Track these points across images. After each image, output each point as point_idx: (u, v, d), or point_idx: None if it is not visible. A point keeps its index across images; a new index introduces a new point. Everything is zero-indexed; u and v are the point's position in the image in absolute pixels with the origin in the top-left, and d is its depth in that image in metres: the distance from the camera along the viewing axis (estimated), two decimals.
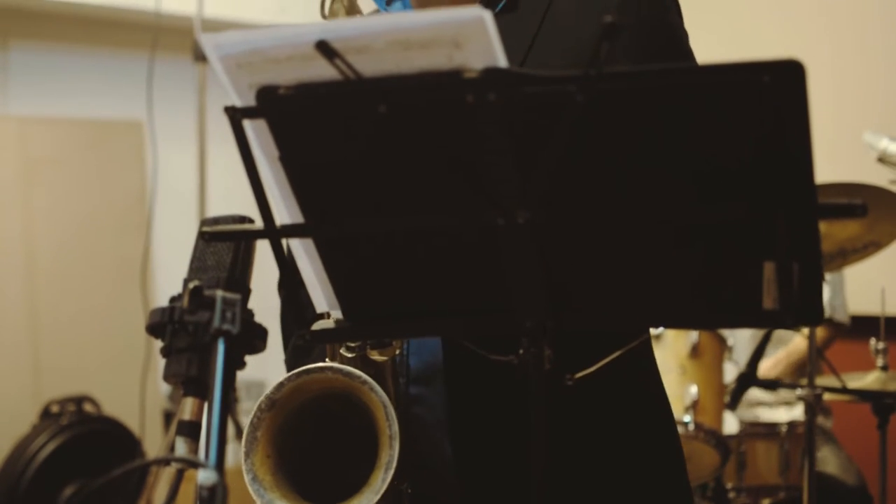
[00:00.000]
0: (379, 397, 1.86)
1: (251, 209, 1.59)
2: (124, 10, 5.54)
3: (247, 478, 1.89)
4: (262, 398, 1.90)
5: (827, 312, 4.82)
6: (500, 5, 2.03)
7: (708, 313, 1.54)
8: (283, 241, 1.62)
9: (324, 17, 2.01)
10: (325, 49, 1.39)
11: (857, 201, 1.38)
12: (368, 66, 1.40)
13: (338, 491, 1.88)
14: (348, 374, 1.88)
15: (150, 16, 5.32)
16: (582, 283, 1.52)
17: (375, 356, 1.93)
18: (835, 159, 4.73)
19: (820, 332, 4.81)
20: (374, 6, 2.20)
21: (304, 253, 1.62)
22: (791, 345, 4.82)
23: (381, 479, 1.83)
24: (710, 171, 1.40)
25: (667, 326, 1.84)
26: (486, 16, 1.34)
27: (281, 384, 1.89)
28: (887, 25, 5.61)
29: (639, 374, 2.06)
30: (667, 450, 2.11)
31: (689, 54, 2.05)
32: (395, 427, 1.84)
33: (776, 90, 1.32)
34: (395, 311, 1.64)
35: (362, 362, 1.92)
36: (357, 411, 1.90)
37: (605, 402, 1.99)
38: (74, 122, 5.71)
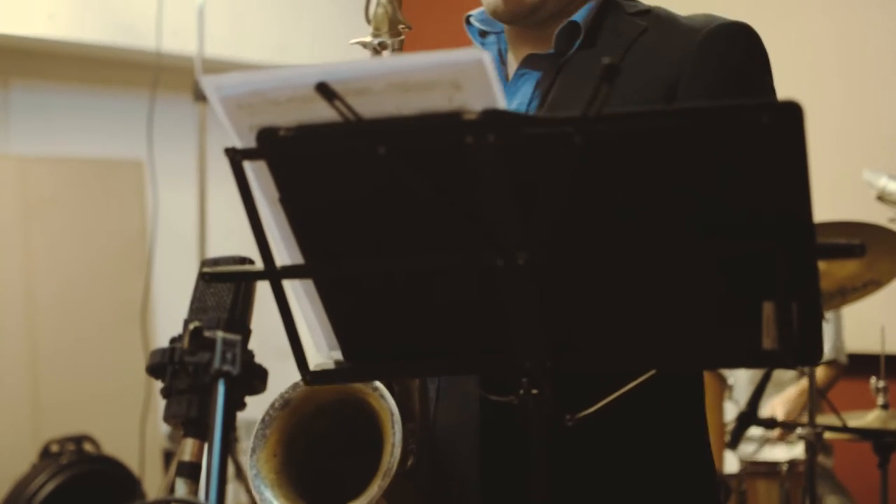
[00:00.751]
0: (387, 404, 1.86)
1: (251, 249, 1.59)
2: (125, 50, 5.56)
3: (250, 473, 1.89)
4: (277, 396, 1.90)
5: (831, 355, 4.82)
6: (578, 42, 2.07)
7: (708, 354, 1.54)
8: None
9: (368, 21, 2.03)
10: (325, 91, 1.39)
11: (855, 242, 1.39)
12: (368, 108, 1.41)
13: (337, 496, 1.88)
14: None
15: (151, 56, 5.34)
16: (581, 324, 1.52)
17: None
18: (834, 197, 4.74)
19: (824, 372, 4.81)
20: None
21: (304, 294, 1.63)
22: (803, 381, 4.81)
23: (378, 487, 1.84)
24: (709, 211, 1.41)
25: (666, 369, 1.83)
26: (486, 57, 1.35)
27: (297, 384, 1.90)
28: (886, 64, 5.63)
29: (650, 412, 2.02)
30: (690, 486, 2.09)
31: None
32: (399, 436, 1.85)
33: (775, 131, 1.33)
34: (395, 352, 1.64)
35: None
36: (368, 418, 1.90)
37: (611, 441, 1.98)
38: (75, 161, 5.72)
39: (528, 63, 2.11)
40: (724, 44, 2.01)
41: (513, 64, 2.15)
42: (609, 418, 1.90)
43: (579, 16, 2.08)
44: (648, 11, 2.10)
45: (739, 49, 2.02)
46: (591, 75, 1.85)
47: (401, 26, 2.00)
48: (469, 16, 2.22)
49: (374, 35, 2.01)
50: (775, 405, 4.73)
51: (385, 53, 2.00)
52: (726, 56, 2.00)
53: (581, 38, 2.07)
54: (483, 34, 2.22)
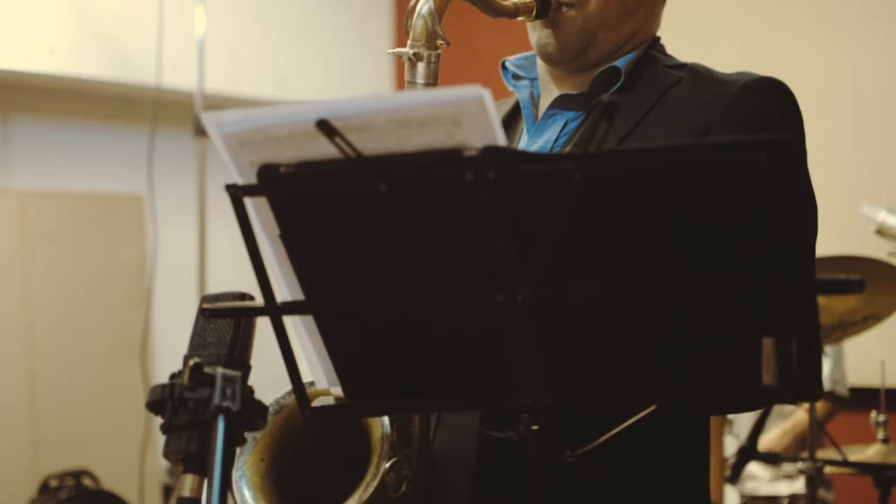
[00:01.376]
0: (379, 419, 1.86)
1: (251, 283, 1.59)
2: (125, 85, 5.57)
3: (235, 475, 1.88)
4: (272, 401, 1.90)
5: (828, 386, 4.82)
6: (617, 85, 2.10)
7: (707, 390, 1.54)
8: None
9: (407, 32, 2.04)
10: (325, 128, 1.40)
11: (854, 277, 1.39)
12: (369, 145, 1.41)
13: None
14: None
15: (151, 90, 5.35)
16: (581, 360, 1.52)
17: None
18: (833, 232, 4.74)
19: (821, 405, 4.80)
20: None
21: (304, 329, 1.63)
22: (796, 416, 4.81)
23: (358, 498, 1.83)
24: (708, 247, 1.41)
25: (666, 404, 1.83)
26: (485, 94, 1.36)
27: (291, 391, 1.90)
28: (884, 98, 5.65)
29: (648, 448, 2.02)
30: None
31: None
32: (386, 447, 1.84)
33: (773, 167, 1.33)
34: (395, 387, 1.64)
35: None
36: (359, 431, 1.90)
37: (609, 476, 1.98)
38: (75, 195, 5.72)
39: (558, 103, 2.14)
40: (758, 97, 2.04)
41: (544, 109, 2.17)
42: (608, 454, 1.90)
43: (621, 62, 2.12)
44: (685, 66, 2.15)
45: (774, 104, 2.05)
46: (620, 117, 1.92)
47: (439, 41, 2.02)
48: (505, 60, 2.27)
49: (412, 46, 2.02)
50: (772, 439, 4.73)
51: (420, 65, 2.02)
52: (760, 109, 2.03)
53: (620, 83, 2.10)
54: (516, 78, 2.26)
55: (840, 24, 5.74)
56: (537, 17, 2.09)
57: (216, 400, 1.58)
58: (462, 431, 2.03)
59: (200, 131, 5.21)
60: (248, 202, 1.51)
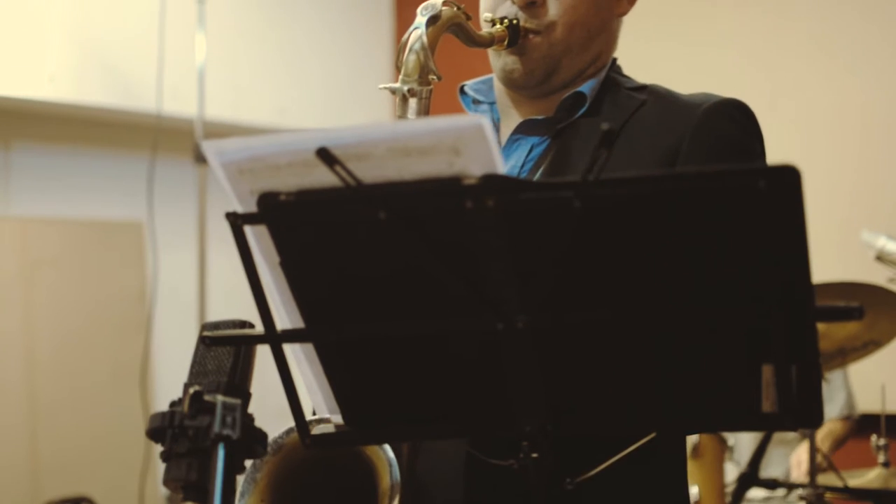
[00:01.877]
0: (385, 455, 1.85)
1: (251, 311, 1.59)
2: (125, 112, 5.58)
3: None
4: (270, 440, 1.89)
5: (846, 411, 4.85)
6: (583, 110, 2.13)
7: (707, 417, 1.54)
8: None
9: (398, 67, 2.06)
10: (325, 156, 1.40)
11: (853, 304, 1.39)
12: (369, 173, 1.42)
13: None
14: None
15: (151, 118, 5.36)
16: (581, 388, 1.53)
17: None
18: (833, 258, 4.76)
19: (842, 427, 4.83)
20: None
21: (304, 357, 1.63)
22: (823, 431, 4.81)
23: None
24: (708, 274, 1.41)
25: (667, 431, 1.84)
26: (485, 122, 1.36)
27: (290, 429, 1.89)
28: (884, 125, 5.66)
29: (649, 474, 2.03)
30: None
31: None
32: (398, 487, 1.83)
33: (772, 195, 1.33)
34: (395, 415, 1.64)
35: None
36: (363, 468, 1.89)
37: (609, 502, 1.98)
38: (75, 222, 5.73)
39: (523, 128, 2.15)
40: (723, 119, 2.08)
41: (505, 133, 2.19)
42: (607, 481, 1.90)
43: (585, 87, 2.15)
44: (645, 87, 2.18)
45: (737, 125, 2.09)
46: (590, 142, 1.95)
47: (431, 76, 2.03)
48: (463, 85, 2.29)
49: (404, 81, 2.03)
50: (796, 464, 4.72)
51: (412, 101, 2.03)
52: (725, 131, 2.07)
53: (585, 108, 2.13)
54: (476, 103, 2.28)
55: (841, 51, 5.76)
56: (509, 45, 2.11)
57: (216, 428, 1.58)
58: (448, 457, 2.03)
59: (200, 158, 5.22)
60: (249, 230, 1.51)
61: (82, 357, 5.60)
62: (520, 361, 1.49)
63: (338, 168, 1.41)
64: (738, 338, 1.45)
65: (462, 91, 2.29)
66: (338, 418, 1.66)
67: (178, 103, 5.46)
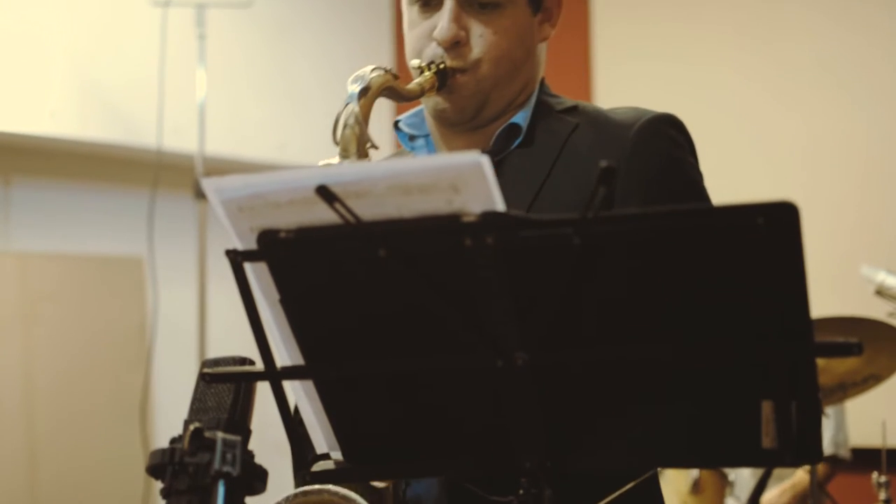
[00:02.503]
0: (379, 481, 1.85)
1: (251, 346, 1.60)
2: (126, 148, 5.59)
3: None
4: None
5: (830, 450, 4.81)
6: (518, 141, 2.15)
7: (707, 453, 1.54)
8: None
9: (335, 142, 2.05)
10: (325, 194, 1.41)
11: (853, 340, 1.39)
12: (368, 210, 1.42)
13: None
14: (346, 498, 1.87)
15: (152, 153, 5.37)
16: (581, 424, 1.52)
17: (377, 483, 1.92)
18: (833, 292, 4.75)
19: (820, 468, 4.78)
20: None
21: (303, 393, 1.63)
22: (796, 476, 4.79)
23: None
24: (707, 310, 1.42)
25: (667, 466, 1.84)
26: (484, 161, 1.37)
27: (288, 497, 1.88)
28: (882, 159, 5.67)
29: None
30: None
31: (703, 194, 2.12)
32: None
33: (770, 232, 1.34)
34: (394, 452, 1.64)
35: (363, 487, 1.91)
36: None
37: None
38: (75, 257, 5.73)
39: None
40: (656, 137, 2.10)
41: None
42: None
43: (519, 118, 2.18)
44: (576, 108, 2.21)
45: (670, 141, 2.12)
46: (528, 173, 2.05)
47: (368, 145, 2.04)
48: (398, 121, 2.30)
49: (343, 156, 2.04)
50: (771, 499, 4.71)
51: None
52: (660, 148, 2.10)
53: (520, 139, 2.16)
54: (412, 138, 2.30)
55: (845, 84, 5.78)
56: (439, 90, 2.13)
57: (216, 465, 1.58)
58: (446, 493, 2.03)
59: (201, 194, 5.23)
60: (248, 267, 1.52)
61: (82, 392, 5.59)
62: (519, 398, 1.49)
63: (337, 205, 1.41)
64: (738, 373, 1.45)
65: (396, 126, 2.31)
66: (337, 454, 1.66)
67: (179, 139, 5.47)
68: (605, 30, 6.49)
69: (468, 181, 1.38)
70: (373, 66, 2.10)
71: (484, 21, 2.13)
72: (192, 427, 1.64)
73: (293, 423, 1.64)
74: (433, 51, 2.14)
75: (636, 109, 2.14)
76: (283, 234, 1.47)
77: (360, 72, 2.09)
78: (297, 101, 6.27)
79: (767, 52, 6.00)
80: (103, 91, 5.48)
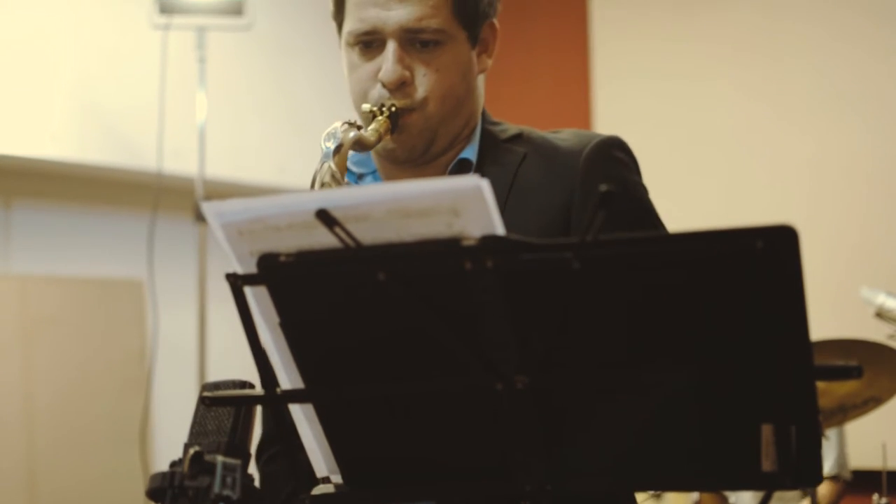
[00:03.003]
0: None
1: (251, 369, 1.60)
2: (126, 171, 5.60)
3: None
4: None
5: (835, 470, 4.81)
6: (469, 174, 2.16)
7: (707, 476, 1.54)
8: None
9: None
10: (325, 218, 1.41)
11: (852, 363, 1.39)
12: (368, 234, 1.42)
13: None
14: None
15: (152, 176, 5.38)
16: (581, 447, 1.53)
17: None
18: (832, 315, 4.75)
19: (829, 489, 4.78)
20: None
21: (303, 417, 1.63)
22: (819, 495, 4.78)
23: None
24: (706, 334, 1.42)
25: (667, 489, 1.84)
26: (484, 184, 1.37)
27: None
28: (882, 182, 5.68)
29: None
30: None
31: (654, 212, 2.18)
32: None
33: (769, 255, 1.34)
34: (394, 476, 1.64)
35: None
36: None
37: None
38: (76, 280, 5.74)
39: None
40: (606, 162, 2.17)
41: None
42: None
43: (468, 153, 2.24)
44: (520, 135, 2.27)
45: (619, 164, 2.19)
46: None
47: None
48: None
49: None
50: None
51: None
52: (610, 172, 2.15)
53: (472, 173, 2.18)
54: (360, 176, 2.33)
55: (844, 101, 5.79)
56: (393, 132, 2.16)
57: (216, 488, 1.58)
58: None
59: (201, 217, 5.23)
60: (248, 291, 1.52)
61: (82, 415, 5.59)
62: (519, 421, 1.49)
63: (337, 229, 1.42)
64: (738, 396, 1.45)
65: None
66: (337, 478, 1.66)
67: (179, 162, 5.48)
68: (604, 47, 6.50)
69: (468, 205, 1.38)
70: (342, 122, 2.13)
71: (426, 60, 2.18)
72: (192, 451, 1.64)
73: (293, 446, 1.64)
74: (378, 92, 2.18)
75: (580, 134, 2.21)
76: (283, 258, 1.47)
77: (331, 129, 2.12)
78: (297, 124, 6.28)
79: (768, 69, 6.01)
80: (104, 114, 5.49)
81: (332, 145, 2.09)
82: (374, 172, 2.30)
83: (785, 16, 6.03)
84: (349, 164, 2.30)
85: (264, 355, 1.56)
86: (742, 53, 6.09)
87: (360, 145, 2.12)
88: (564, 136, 2.22)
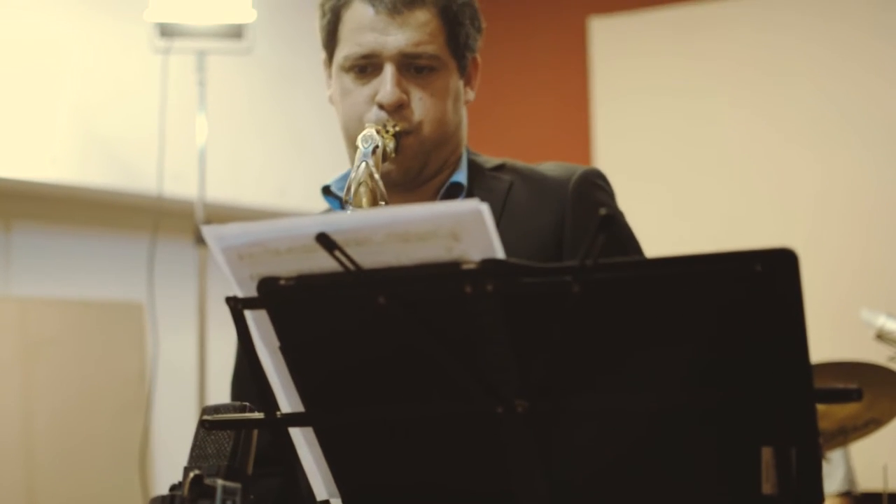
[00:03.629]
0: None
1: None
2: (126, 194, 5.60)
3: None
4: None
5: (845, 487, 4.81)
6: (461, 197, 2.26)
7: (708, 499, 1.54)
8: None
9: (347, 201, 2.07)
10: (325, 241, 1.42)
11: (852, 386, 1.39)
12: (368, 258, 1.43)
13: None
14: None
15: (152, 199, 5.38)
16: (582, 471, 1.53)
17: None
18: (832, 337, 4.75)
19: None
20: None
21: (303, 440, 1.63)
22: None
23: None
24: (705, 357, 1.42)
25: None
26: (484, 208, 1.38)
27: None
28: (884, 202, 5.68)
29: None
30: None
31: (634, 238, 2.26)
32: None
33: (769, 279, 1.34)
34: (394, 499, 1.64)
35: None
36: None
37: None
38: (75, 303, 5.74)
39: None
40: (593, 190, 2.27)
41: None
42: None
43: (459, 177, 2.30)
44: (503, 165, 2.35)
45: (603, 192, 2.30)
46: None
47: (381, 202, 2.07)
48: (328, 186, 2.36)
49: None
50: None
51: None
52: (597, 199, 2.25)
53: (463, 196, 2.25)
54: (346, 203, 2.30)
55: (847, 121, 5.79)
56: (396, 153, 2.20)
57: None
58: None
59: (201, 240, 5.23)
60: (248, 314, 1.52)
61: (82, 438, 5.58)
62: (520, 445, 1.49)
63: (337, 253, 1.42)
64: (737, 420, 1.45)
65: (327, 191, 2.36)
66: (337, 502, 1.66)
67: (179, 185, 5.49)
68: (603, 65, 6.51)
69: (468, 228, 1.39)
70: (374, 127, 2.17)
71: (421, 85, 2.24)
72: (192, 474, 1.64)
73: (293, 469, 1.64)
74: (376, 114, 2.22)
75: (564, 165, 2.30)
76: (283, 282, 1.48)
77: (366, 132, 2.14)
78: (297, 147, 6.29)
79: (769, 87, 6.01)
80: (104, 137, 5.50)
81: (368, 146, 2.11)
82: None
83: (785, 33, 6.04)
84: (335, 189, 2.33)
85: (264, 378, 1.56)
86: (743, 71, 6.09)
87: (383, 155, 2.16)
88: (549, 166, 2.31)
